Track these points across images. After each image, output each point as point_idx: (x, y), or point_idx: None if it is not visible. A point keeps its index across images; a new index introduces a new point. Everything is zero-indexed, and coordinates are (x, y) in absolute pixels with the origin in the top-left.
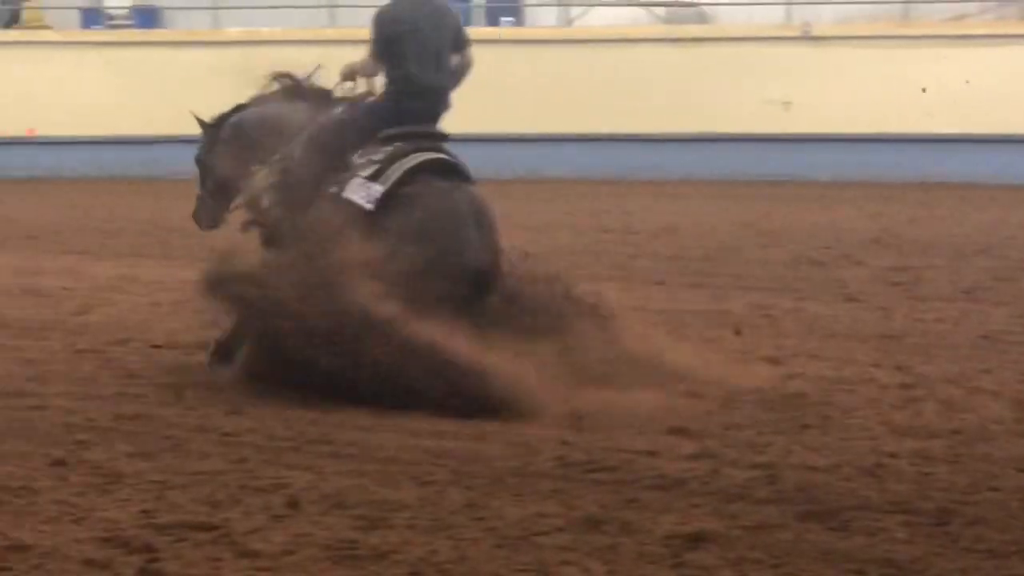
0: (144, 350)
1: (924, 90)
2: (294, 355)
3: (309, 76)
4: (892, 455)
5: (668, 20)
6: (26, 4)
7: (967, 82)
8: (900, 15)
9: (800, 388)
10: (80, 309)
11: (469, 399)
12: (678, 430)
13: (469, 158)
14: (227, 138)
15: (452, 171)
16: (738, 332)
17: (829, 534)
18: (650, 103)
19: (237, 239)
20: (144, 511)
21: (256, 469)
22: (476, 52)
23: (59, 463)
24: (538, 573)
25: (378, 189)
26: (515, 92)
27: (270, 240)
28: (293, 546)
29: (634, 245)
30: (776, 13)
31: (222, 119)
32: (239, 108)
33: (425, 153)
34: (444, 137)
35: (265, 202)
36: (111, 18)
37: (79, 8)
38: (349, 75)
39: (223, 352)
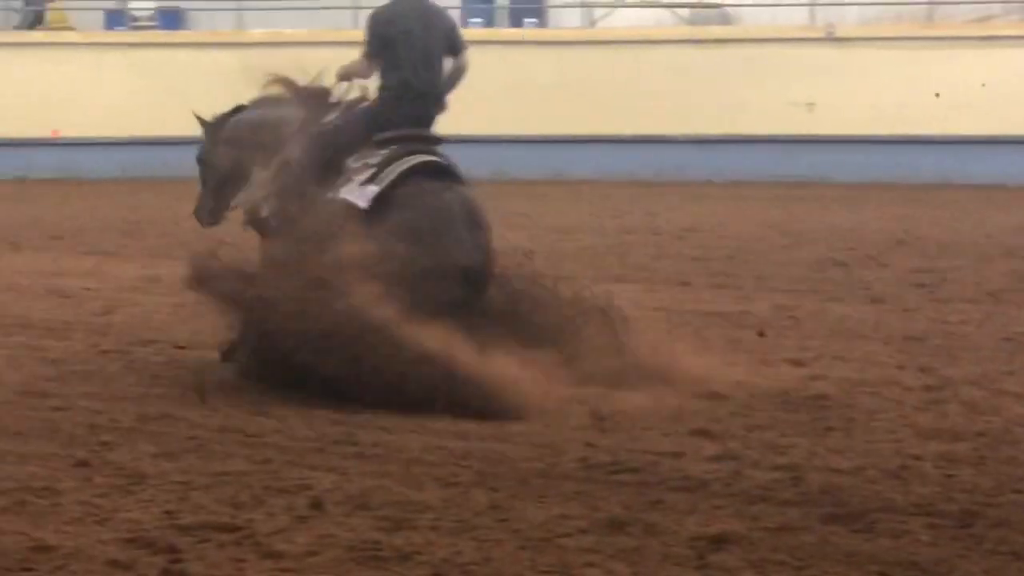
0: (168, 351)
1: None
2: (278, 352)
3: (313, 80)
4: (916, 457)
5: (691, 21)
6: (50, 5)
7: (983, 86)
8: (924, 16)
9: (824, 390)
10: (103, 309)
11: (443, 398)
12: (701, 432)
13: (492, 159)
14: (226, 138)
15: (444, 173)
16: (762, 334)
17: (853, 536)
18: (673, 104)
19: (232, 236)
20: (168, 512)
21: (280, 470)
22: (499, 53)
23: (83, 464)
24: (562, 575)
25: (372, 190)
26: (538, 93)
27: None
28: (317, 547)
29: (657, 246)
30: (800, 14)
31: (223, 119)
32: (239, 109)
33: (419, 156)
34: (439, 140)
35: (265, 211)
36: (135, 19)
37: (103, 9)
38: (345, 76)
39: (233, 352)
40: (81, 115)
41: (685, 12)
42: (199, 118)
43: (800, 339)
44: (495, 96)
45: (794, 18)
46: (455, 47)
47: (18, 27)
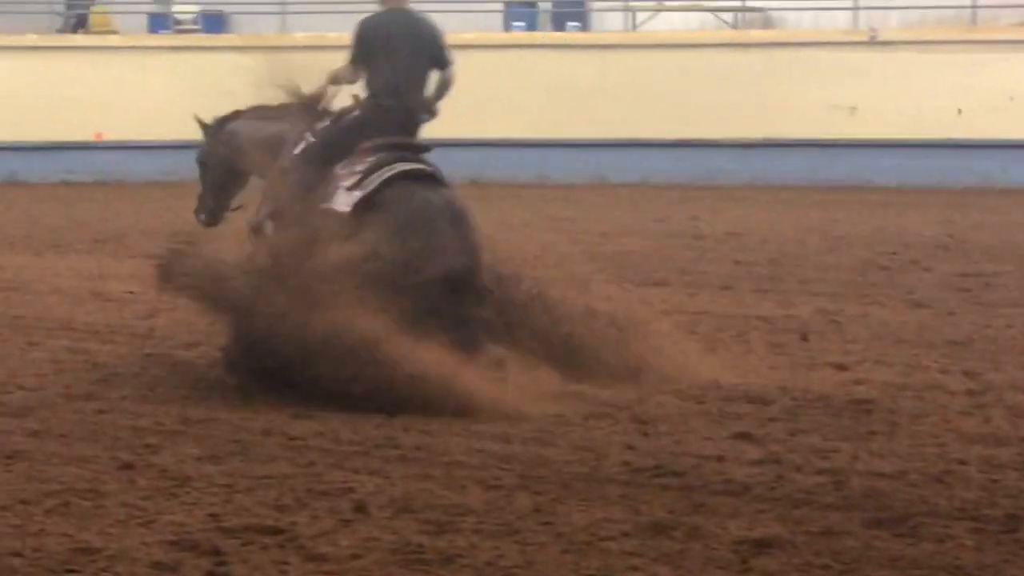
0: (211, 354)
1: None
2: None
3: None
4: (960, 462)
5: (734, 25)
6: (93, 8)
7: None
8: (967, 20)
9: (867, 394)
10: (147, 313)
11: (397, 398)
12: (743, 435)
13: (534, 163)
14: (224, 143)
15: (429, 179)
16: (805, 338)
17: (896, 541)
18: (716, 108)
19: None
20: (211, 514)
21: (323, 473)
22: (541, 57)
23: (127, 466)
24: None
25: (356, 195)
26: (581, 97)
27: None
28: (360, 550)
29: (700, 250)
30: (843, 18)
31: (221, 122)
32: (236, 114)
33: (405, 163)
34: (426, 148)
35: (269, 230)
36: (178, 23)
37: (147, 13)
38: (335, 81)
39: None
40: (124, 119)
41: (728, 16)
42: (199, 121)
43: (843, 343)
44: (537, 100)
45: (837, 22)
46: (441, 61)
47: (61, 30)
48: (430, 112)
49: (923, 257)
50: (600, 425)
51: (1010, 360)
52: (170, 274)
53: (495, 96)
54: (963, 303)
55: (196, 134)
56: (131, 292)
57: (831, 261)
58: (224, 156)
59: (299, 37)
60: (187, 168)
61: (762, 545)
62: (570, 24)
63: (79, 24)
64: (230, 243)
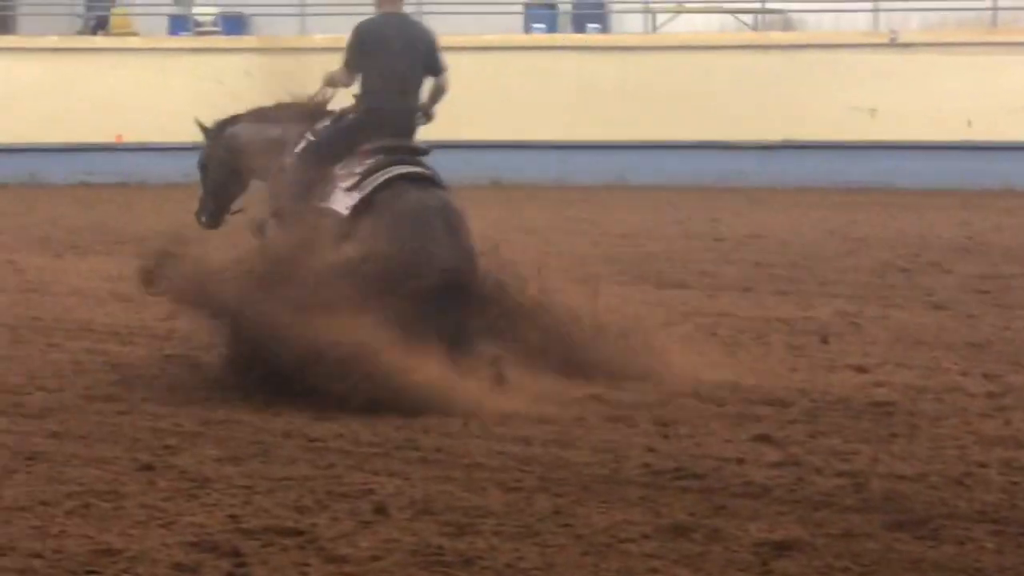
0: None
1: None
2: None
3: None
4: (981, 464)
5: (755, 27)
6: (113, 10)
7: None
8: (988, 22)
9: (887, 396)
10: (167, 314)
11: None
12: (763, 438)
13: (554, 165)
14: (223, 147)
15: (426, 181)
16: (825, 340)
17: (917, 543)
18: (736, 110)
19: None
20: (232, 516)
21: (343, 475)
22: (562, 59)
23: (147, 467)
24: None
25: (355, 196)
26: (601, 99)
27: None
28: (380, 552)
29: (720, 252)
30: (863, 20)
31: (222, 125)
32: (236, 118)
33: (403, 167)
34: (424, 151)
35: (270, 230)
36: (199, 25)
37: (167, 15)
38: (331, 84)
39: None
40: (145, 120)
41: (748, 17)
42: (200, 124)
43: (863, 345)
44: (557, 102)
45: (857, 23)
46: (434, 67)
47: (81, 32)
48: (426, 116)
49: (943, 259)
50: (620, 427)
51: None
52: (153, 278)
53: (515, 98)
54: (983, 305)
55: None
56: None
57: (851, 263)
58: (224, 159)
59: (318, 39)
60: None
61: (782, 547)
62: (590, 26)
63: (99, 26)
64: (219, 245)
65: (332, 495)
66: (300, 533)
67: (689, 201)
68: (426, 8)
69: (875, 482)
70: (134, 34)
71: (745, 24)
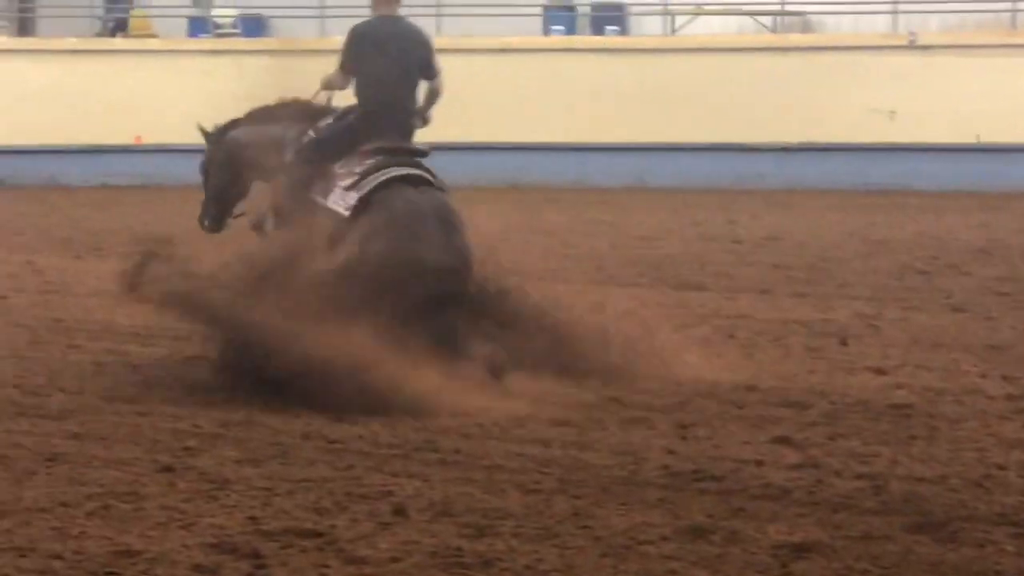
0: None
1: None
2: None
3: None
4: (1000, 467)
5: (774, 29)
6: (133, 12)
7: None
8: (1007, 24)
9: (906, 399)
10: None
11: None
12: (782, 440)
13: (573, 167)
14: (224, 151)
15: (424, 183)
16: (844, 342)
17: (936, 546)
18: (755, 112)
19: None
20: (251, 517)
21: (362, 476)
22: (580, 61)
23: (167, 469)
24: None
25: (353, 196)
26: (619, 101)
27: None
28: (399, 553)
29: (738, 254)
30: (882, 22)
31: (223, 130)
32: (236, 122)
33: (401, 168)
34: (424, 153)
35: (270, 226)
36: (218, 27)
37: (186, 16)
38: (326, 86)
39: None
40: (164, 122)
41: (767, 19)
42: (201, 129)
43: (882, 347)
44: (576, 104)
45: (876, 25)
46: (429, 71)
47: (100, 34)
48: (423, 119)
49: (962, 261)
50: (639, 429)
51: None
52: (136, 281)
53: (534, 100)
54: (1002, 307)
55: None
56: None
57: (870, 265)
58: (226, 163)
59: (338, 40)
60: None
61: (801, 550)
62: (609, 28)
63: (119, 28)
64: (207, 249)
65: (351, 497)
66: (319, 535)
67: (707, 203)
68: (445, 10)
69: (894, 484)
70: (153, 36)
71: (764, 26)
